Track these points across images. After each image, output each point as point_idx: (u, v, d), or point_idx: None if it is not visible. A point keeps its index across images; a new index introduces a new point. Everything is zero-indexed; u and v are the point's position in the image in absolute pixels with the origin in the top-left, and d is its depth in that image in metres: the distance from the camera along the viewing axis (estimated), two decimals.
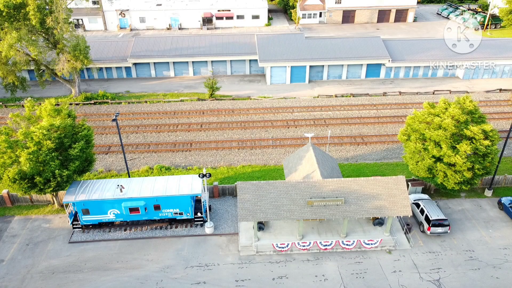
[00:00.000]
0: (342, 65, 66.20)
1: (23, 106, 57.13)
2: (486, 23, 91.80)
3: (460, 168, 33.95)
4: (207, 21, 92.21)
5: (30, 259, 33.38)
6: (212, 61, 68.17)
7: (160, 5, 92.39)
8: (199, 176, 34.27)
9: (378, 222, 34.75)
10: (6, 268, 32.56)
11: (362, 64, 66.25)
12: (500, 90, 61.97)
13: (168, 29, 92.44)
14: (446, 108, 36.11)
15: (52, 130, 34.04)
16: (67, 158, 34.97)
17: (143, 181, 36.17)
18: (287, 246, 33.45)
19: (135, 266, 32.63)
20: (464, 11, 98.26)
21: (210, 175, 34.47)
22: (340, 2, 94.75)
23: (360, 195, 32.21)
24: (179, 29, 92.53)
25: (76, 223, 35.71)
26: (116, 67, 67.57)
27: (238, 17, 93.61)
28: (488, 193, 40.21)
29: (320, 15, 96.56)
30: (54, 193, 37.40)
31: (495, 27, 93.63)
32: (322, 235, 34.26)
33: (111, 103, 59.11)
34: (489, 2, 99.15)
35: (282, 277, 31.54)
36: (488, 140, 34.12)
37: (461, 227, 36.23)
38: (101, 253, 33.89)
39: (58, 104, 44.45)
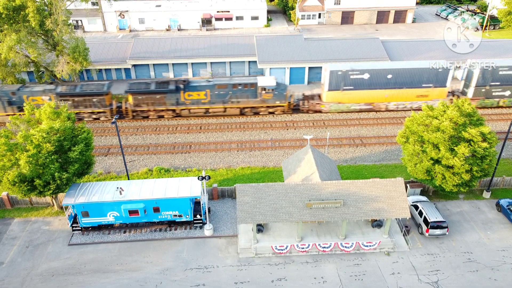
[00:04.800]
0: None
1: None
2: (484, 24, 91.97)
3: (458, 170, 34.07)
4: (206, 22, 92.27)
5: (30, 261, 33.47)
6: (211, 63, 68.20)
7: (160, 6, 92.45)
8: (198, 178, 34.39)
9: (377, 224, 34.87)
10: (6, 270, 32.65)
11: None
12: None
13: (168, 30, 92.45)
14: (444, 111, 36.24)
15: (51, 133, 34.11)
16: (67, 161, 35.08)
17: (143, 183, 36.27)
18: (286, 248, 33.56)
19: (134, 268, 32.74)
20: (463, 12, 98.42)
21: (209, 178, 34.57)
22: (339, 3, 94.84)
23: (358, 197, 32.33)
24: (179, 30, 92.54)
25: (75, 225, 35.81)
26: (116, 69, 67.61)
27: (237, 18, 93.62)
28: (486, 195, 40.35)
29: (319, 16, 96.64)
30: (53, 196, 37.49)
31: (493, 28, 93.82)
32: (321, 237, 34.38)
33: None
34: (488, 3, 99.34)
35: (281, 279, 31.66)
36: (486, 142, 34.24)
37: (460, 229, 36.36)
38: (101, 255, 33.99)
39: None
